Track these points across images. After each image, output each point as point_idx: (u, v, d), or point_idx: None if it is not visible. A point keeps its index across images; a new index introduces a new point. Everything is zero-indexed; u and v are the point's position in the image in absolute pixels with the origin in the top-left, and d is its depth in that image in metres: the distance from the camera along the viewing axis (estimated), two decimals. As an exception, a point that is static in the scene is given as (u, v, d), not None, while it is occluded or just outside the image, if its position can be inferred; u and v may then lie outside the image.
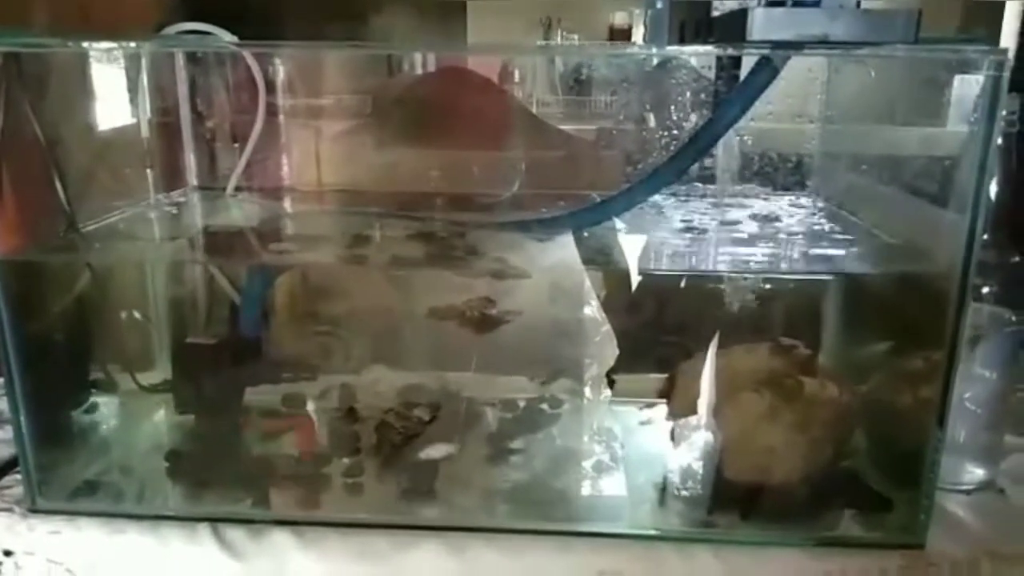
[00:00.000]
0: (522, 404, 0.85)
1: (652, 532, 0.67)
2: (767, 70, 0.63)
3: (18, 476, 0.71)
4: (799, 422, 0.65)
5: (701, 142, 0.69)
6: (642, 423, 0.82)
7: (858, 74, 0.80)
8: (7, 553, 0.65)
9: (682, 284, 0.73)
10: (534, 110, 1.17)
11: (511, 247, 0.75)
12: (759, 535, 0.65)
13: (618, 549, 0.64)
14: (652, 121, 0.84)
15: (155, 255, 0.84)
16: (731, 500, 0.66)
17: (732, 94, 0.66)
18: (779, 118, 0.78)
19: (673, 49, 0.78)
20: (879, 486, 0.69)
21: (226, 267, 0.85)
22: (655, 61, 0.84)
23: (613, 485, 0.74)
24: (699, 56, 0.79)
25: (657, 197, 0.81)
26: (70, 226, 0.72)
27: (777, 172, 0.83)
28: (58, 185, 0.71)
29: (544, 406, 0.85)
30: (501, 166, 0.87)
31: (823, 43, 0.57)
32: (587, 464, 0.77)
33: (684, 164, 0.71)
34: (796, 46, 0.59)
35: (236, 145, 0.90)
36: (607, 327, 0.77)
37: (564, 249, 0.73)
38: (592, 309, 0.78)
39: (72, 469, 0.74)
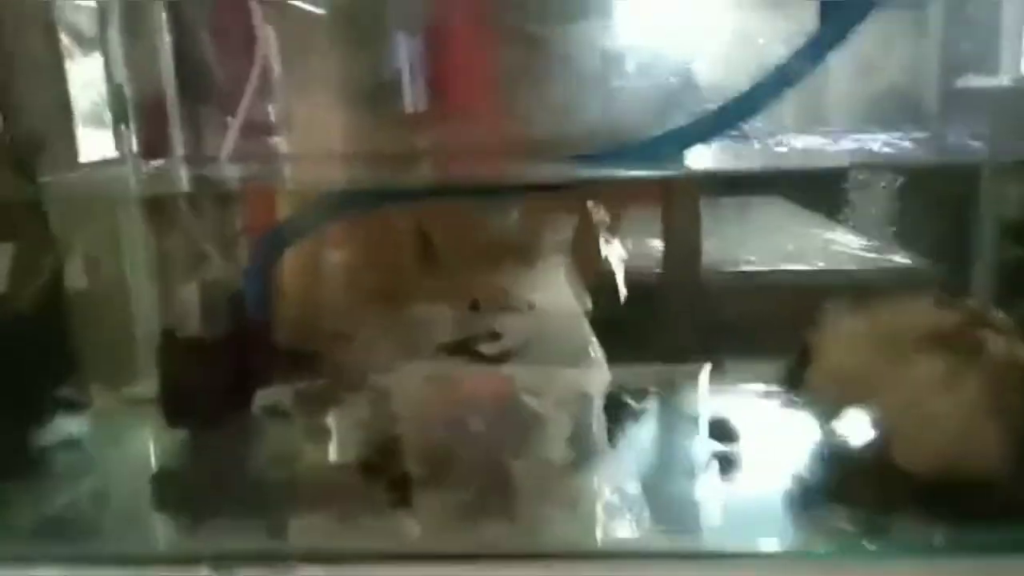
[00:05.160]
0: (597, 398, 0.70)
1: (797, 549, 0.51)
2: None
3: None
4: (989, 389, 0.50)
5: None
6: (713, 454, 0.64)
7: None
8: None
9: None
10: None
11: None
12: (955, 541, 0.49)
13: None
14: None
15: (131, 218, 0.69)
16: (910, 497, 0.50)
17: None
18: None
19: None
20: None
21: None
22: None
23: (734, 490, 0.58)
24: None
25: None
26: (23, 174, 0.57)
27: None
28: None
29: (627, 398, 0.69)
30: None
31: None
32: (693, 466, 0.62)
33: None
34: None
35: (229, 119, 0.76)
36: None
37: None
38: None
39: (30, 503, 0.58)
